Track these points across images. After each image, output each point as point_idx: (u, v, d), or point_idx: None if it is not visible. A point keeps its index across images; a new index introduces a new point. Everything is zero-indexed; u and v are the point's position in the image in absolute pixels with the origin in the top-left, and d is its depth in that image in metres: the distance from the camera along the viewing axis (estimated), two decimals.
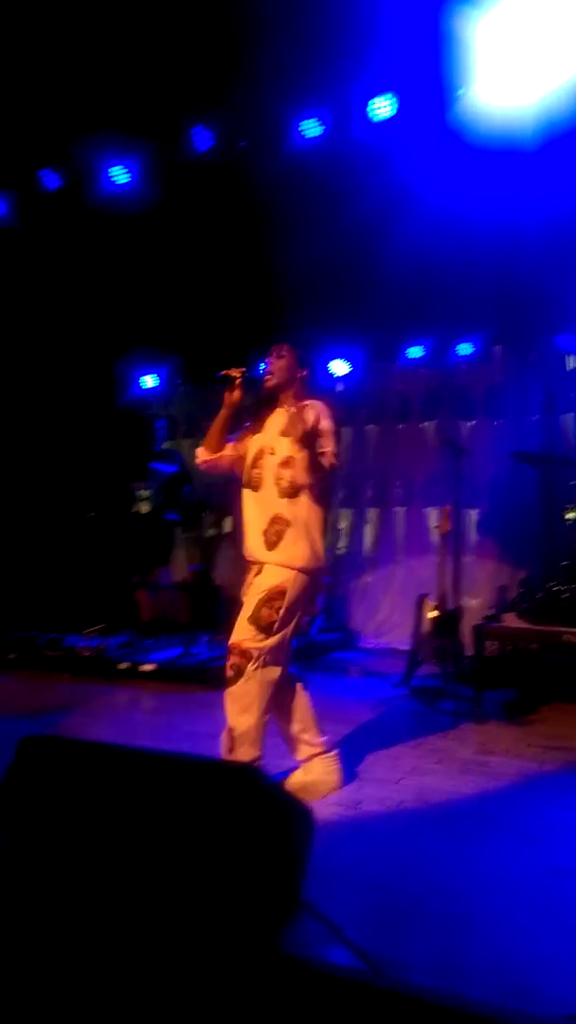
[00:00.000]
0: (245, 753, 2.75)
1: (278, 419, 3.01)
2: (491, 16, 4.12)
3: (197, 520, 6.11)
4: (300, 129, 5.19)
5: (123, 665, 5.24)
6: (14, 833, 1.95)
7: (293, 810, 1.96)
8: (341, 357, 6.80)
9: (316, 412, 2.95)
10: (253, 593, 2.83)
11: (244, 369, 2.98)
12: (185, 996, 1.27)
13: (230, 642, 2.80)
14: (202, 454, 3.12)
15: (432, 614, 4.79)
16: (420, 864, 2.32)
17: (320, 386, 3.37)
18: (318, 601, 6.84)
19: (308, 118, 5.15)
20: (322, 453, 2.86)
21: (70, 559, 6.43)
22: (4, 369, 6.62)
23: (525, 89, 4.24)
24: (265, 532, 2.88)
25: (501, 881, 2.20)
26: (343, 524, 7.32)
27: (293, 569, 2.84)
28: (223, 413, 3.03)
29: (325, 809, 2.69)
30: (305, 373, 3.07)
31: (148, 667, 5.16)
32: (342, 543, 7.26)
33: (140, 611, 6.17)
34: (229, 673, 2.77)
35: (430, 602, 4.87)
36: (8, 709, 4.33)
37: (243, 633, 2.77)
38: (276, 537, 2.85)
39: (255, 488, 2.96)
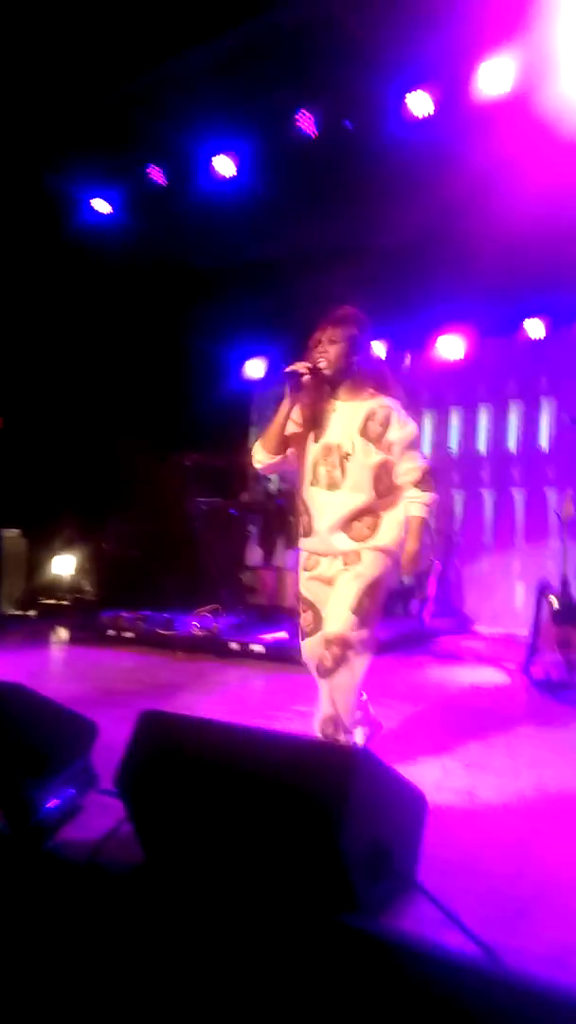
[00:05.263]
0: (348, 739, 2.76)
1: (345, 414, 2.82)
2: None
3: None
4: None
5: (234, 645, 5.34)
6: (137, 793, 2.02)
7: (407, 793, 1.93)
8: (454, 333, 6.63)
9: (388, 416, 2.78)
10: (351, 583, 2.73)
11: (312, 365, 2.79)
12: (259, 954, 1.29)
13: (330, 633, 2.73)
14: (261, 456, 2.92)
15: (554, 601, 4.57)
16: (539, 856, 2.22)
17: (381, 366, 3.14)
18: (430, 586, 6.72)
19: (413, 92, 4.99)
20: (408, 471, 2.78)
21: (188, 542, 6.61)
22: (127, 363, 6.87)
23: None
24: (350, 525, 2.77)
25: None
26: (457, 507, 7.13)
27: (389, 556, 2.77)
28: (285, 411, 2.84)
29: (437, 795, 2.63)
30: (358, 359, 2.84)
31: (258, 648, 5.24)
32: (456, 527, 7.08)
33: (257, 593, 6.27)
34: (328, 664, 2.71)
35: (551, 588, 4.66)
36: (127, 684, 4.51)
37: (344, 624, 2.71)
38: (371, 529, 2.77)
39: (328, 487, 2.80)
